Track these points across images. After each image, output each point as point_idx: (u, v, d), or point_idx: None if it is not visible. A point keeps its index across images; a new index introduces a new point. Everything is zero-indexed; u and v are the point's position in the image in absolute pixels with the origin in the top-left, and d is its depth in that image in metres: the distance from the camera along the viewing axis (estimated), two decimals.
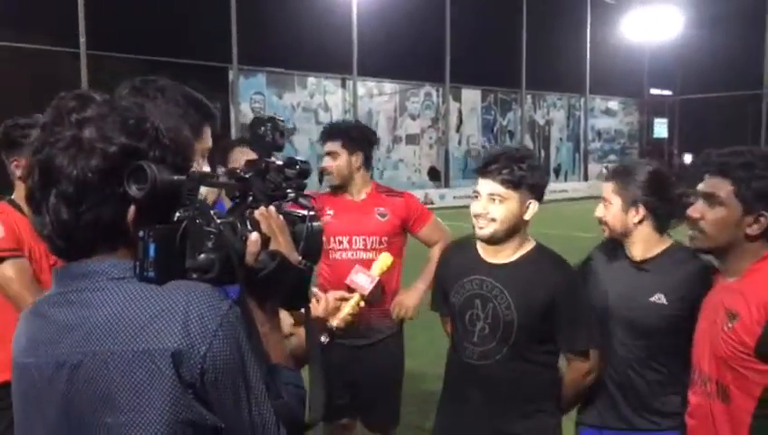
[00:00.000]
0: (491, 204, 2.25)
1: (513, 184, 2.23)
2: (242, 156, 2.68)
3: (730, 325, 1.86)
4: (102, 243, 1.08)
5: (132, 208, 1.06)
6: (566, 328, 2.27)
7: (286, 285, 1.22)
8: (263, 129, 1.32)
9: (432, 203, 19.05)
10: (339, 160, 3.32)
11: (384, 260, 2.16)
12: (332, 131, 3.42)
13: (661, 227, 2.36)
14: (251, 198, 1.28)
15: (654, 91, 31.59)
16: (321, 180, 3.59)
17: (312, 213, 1.34)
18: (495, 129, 25.96)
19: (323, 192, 3.57)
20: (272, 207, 1.26)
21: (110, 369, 1.01)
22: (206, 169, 1.62)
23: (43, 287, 2.35)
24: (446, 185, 23.60)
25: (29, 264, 2.58)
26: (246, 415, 1.07)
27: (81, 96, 1.09)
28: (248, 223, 1.21)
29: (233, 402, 1.06)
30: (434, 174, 23.93)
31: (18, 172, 2.64)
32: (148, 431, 1.00)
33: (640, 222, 2.33)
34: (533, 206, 2.29)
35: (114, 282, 1.06)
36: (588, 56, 27.88)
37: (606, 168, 26.63)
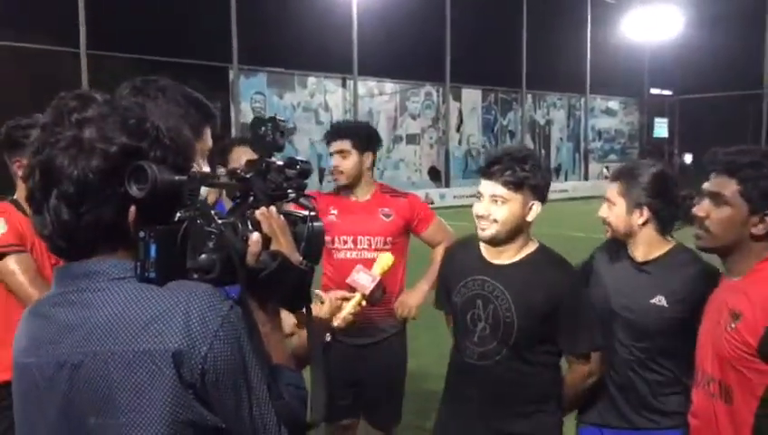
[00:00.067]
0: (493, 205, 2.24)
1: (516, 185, 2.21)
2: (242, 155, 2.68)
3: (733, 325, 1.85)
4: (103, 243, 1.08)
5: (133, 209, 1.06)
6: (567, 330, 2.27)
7: (287, 285, 1.22)
8: (263, 129, 1.32)
9: (432, 203, 19.04)
10: (349, 160, 3.28)
11: (385, 260, 2.16)
12: (342, 130, 3.39)
13: (664, 229, 2.36)
14: (252, 199, 1.28)
15: (654, 91, 31.61)
16: (321, 180, 3.58)
17: (313, 213, 1.34)
18: (496, 128, 25.97)
19: (326, 192, 3.56)
20: (272, 208, 1.26)
21: (111, 369, 1.01)
22: (206, 169, 1.62)
23: (48, 284, 2.36)
24: (447, 185, 23.60)
25: (32, 259, 2.59)
26: (247, 416, 1.07)
27: (81, 96, 1.08)
28: (249, 223, 1.21)
29: (234, 403, 1.06)
30: (434, 174, 23.94)
31: (20, 173, 2.65)
32: (149, 432, 1.00)
33: (644, 224, 2.33)
34: (536, 207, 2.27)
35: (115, 282, 1.06)
36: (588, 56, 27.88)
37: (606, 167, 26.73)
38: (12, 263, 2.56)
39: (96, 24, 15.86)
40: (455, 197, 21.05)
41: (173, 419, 1.01)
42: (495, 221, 2.24)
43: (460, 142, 24.86)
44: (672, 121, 31.39)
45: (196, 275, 1.09)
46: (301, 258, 1.26)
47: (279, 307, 1.28)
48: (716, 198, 1.92)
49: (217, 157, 2.79)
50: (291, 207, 1.34)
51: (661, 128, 31.45)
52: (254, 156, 1.33)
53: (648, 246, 2.35)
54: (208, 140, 1.63)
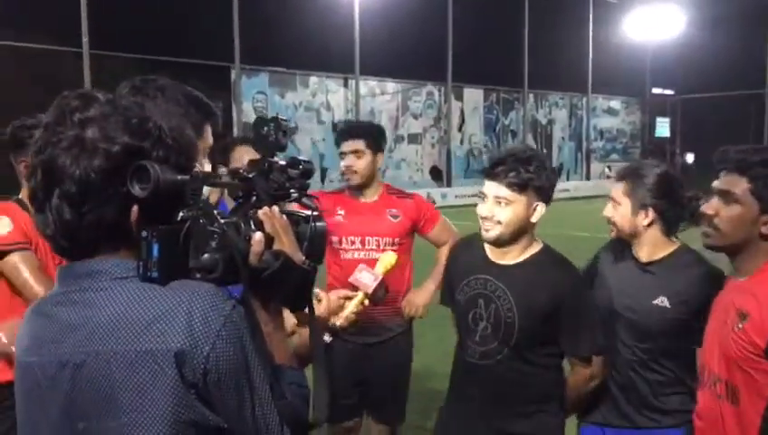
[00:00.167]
0: (497, 207, 2.22)
1: (520, 187, 2.19)
2: (244, 155, 2.68)
3: (740, 325, 1.83)
4: (105, 243, 1.08)
5: (135, 208, 1.05)
6: (569, 332, 2.25)
7: (290, 284, 1.22)
8: (266, 128, 1.31)
9: (434, 202, 19.03)
10: (363, 160, 3.26)
11: (388, 259, 2.15)
12: (355, 130, 3.39)
13: (669, 230, 2.35)
14: (254, 198, 1.28)
15: (656, 91, 31.62)
16: (323, 180, 3.58)
17: (315, 213, 1.33)
18: (498, 128, 25.98)
19: (330, 191, 3.55)
20: (275, 207, 1.25)
21: (113, 369, 1.01)
22: (208, 167, 1.62)
23: (52, 283, 2.36)
24: (448, 184, 23.61)
25: (36, 258, 2.60)
26: (250, 415, 1.07)
27: (83, 96, 1.08)
28: (252, 223, 1.21)
29: (236, 403, 1.05)
30: (436, 173, 23.94)
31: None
32: (151, 431, 1.00)
33: (649, 225, 2.32)
34: (541, 208, 2.25)
35: (117, 282, 1.06)
36: (590, 55, 27.89)
37: (608, 167, 26.74)
38: (18, 260, 2.57)
39: (98, 23, 15.87)
40: (456, 196, 21.05)
41: (175, 419, 1.00)
42: (499, 223, 2.22)
43: (462, 142, 24.86)
44: (674, 121, 31.39)
45: (198, 275, 1.08)
46: (303, 258, 1.26)
47: (281, 307, 1.28)
48: (726, 196, 1.89)
49: (219, 156, 2.79)
50: (293, 207, 1.34)
51: (663, 127, 31.46)
52: (256, 155, 1.33)
53: (652, 246, 2.35)
54: (209, 139, 1.63)
